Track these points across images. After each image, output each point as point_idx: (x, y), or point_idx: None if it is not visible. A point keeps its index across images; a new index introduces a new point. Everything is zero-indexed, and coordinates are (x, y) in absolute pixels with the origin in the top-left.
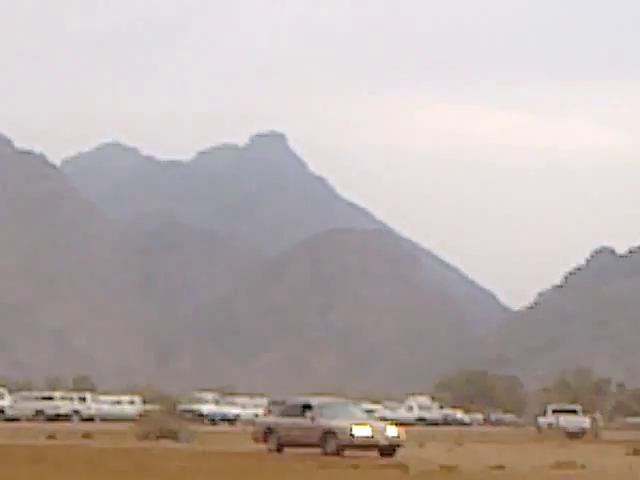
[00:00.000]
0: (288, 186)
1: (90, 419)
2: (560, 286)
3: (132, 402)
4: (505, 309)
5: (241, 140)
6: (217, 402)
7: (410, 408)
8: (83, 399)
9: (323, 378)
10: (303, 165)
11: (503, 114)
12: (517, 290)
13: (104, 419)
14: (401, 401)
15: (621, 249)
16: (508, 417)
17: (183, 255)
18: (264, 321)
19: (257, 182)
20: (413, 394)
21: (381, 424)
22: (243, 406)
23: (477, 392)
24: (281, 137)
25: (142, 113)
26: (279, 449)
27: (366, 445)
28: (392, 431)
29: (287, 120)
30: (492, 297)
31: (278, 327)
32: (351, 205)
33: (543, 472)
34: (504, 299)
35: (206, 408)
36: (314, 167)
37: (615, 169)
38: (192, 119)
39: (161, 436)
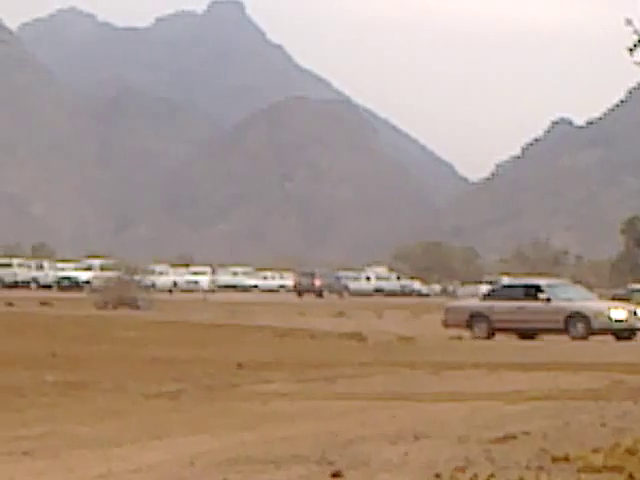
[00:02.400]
0: (246, 54)
1: (48, 286)
2: (518, 157)
3: (89, 268)
4: (463, 180)
5: (199, 7)
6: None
7: (368, 278)
8: (41, 266)
9: (281, 247)
10: (262, 33)
11: None
12: (475, 161)
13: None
14: (359, 271)
15: (579, 120)
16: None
17: (140, 122)
18: (222, 190)
19: (215, 50)
20: (370, 265)
21: (630, 306)
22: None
23: (434, 263)
24: (239, 5)
25: None
26: (489, 336)
27: (620, 329)
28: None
29: None
30: (450, 168)
31: (236, 196)
32: (309, 74)
33: (501, 343)
34: (462, 170)
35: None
36: (273, 36)
37: (576, 40)
38: None
39: (120, 304)
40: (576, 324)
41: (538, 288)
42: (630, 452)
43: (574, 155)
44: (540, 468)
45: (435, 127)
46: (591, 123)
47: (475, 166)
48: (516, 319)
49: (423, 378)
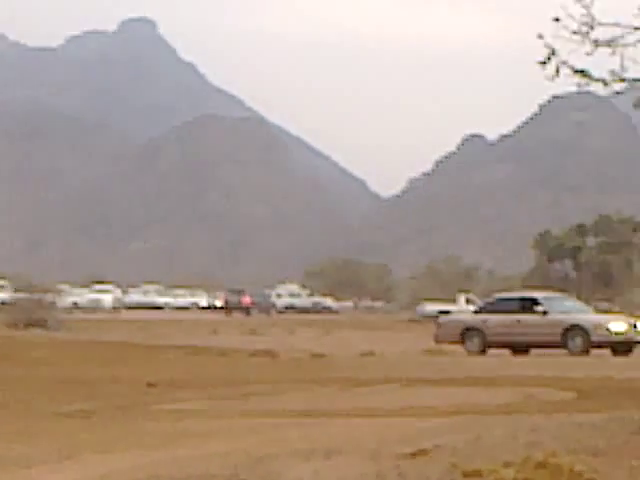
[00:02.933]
0: (158, 72)
1: None
2: (430, 173)
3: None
4: (375, 196)
5: (110, 26)
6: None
7: (279, 295)
8: None
9: (194, 266)
10: (173, 51)
11: None
12: (387, 178)
13: None
14: (272, 288)
15: (491, 136)
16: (377, 304)
17: (52, 142)
18: (134, 208)
19: (127, 68)
20: (283, 281)
21: (630, 319)
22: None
23: (347, 280)
24: (151, 23)
25: None
26: (483, 350)
27: (619, 342)
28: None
29: (157, 6)
30: (362, 184)
31: (149, 214)
32: (222, 92)
33: (412, 358)
34: (374, 186)
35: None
36: (185, 54)
37: (487, 56)
38: (61, 3)
39: (30, 324)
40: (574, 338)
41: (534, 301)
42: (541, 466)
43: (486, 171)
44: None
45: (347, 144)
46: (503, 139)
47: (387, 182)
48: (511, 333)
49: (335, 395)
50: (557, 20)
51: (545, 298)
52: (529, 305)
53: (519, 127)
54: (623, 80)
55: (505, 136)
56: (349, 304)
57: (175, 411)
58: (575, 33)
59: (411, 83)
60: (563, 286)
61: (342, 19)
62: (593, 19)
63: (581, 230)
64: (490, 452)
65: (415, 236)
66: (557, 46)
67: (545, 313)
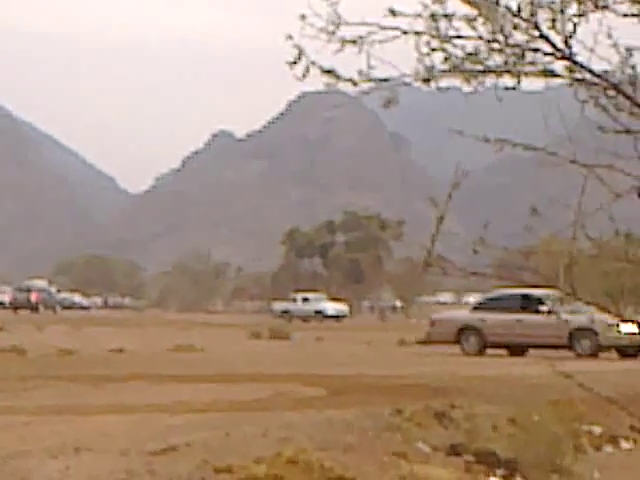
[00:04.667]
0: None
1: None
2: (179, 170)
3: None
4: (124, 193)
5: None
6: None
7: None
8: None
9: None
10: None
11: None
12: (136, 174)
13: None
14: (20, 284)
15: (240, 133)
16: (127, 301)
17: None
18: None
19: None
20: (31, 277)
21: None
22: None
23: (96, 276)
24: None
25: None
26: (481, 351)
27: (629, 345)
28: None
29: None
30: (112, 181)
31: None
32: None
33: (163, 355)
34: (123, 183)
35: None
36: None
37: (238, 51)
38: None
39: None
40: (581, 339)
41: (537, 299)
42: (291, 461)
43: (237, 168)
44: (202, 479)
45: (98, 141)
46: (252, 135)
47: (137, 179)
48: (512, 333)
49: (85, 391)
50: (304, 18)
51: (553, 297)
52: (533, 304)
53: (269, 123)
54: (370, 80)
55: (256, 132)
56: (98, 300)
57: None
58: (321, 31)
59: (159, 76)
60: (312, 283)
61: (85, 12)
62: (339, 17)
63: (330, 227)
64: (241, 448)
65: (165, 233)
66: (305, 45)
67: (550, 313)
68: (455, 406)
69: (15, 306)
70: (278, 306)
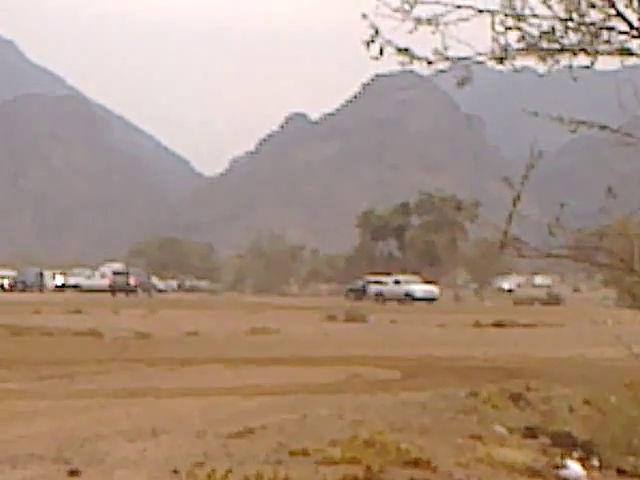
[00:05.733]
0: None
1: None
2: (253, 152)
3: None
4: (199, 175)
5: None
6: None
7: (103, 275)
8: None
9: (16, 245)
10: None
11: None
12: (211, 157)
13: None
14: (95, 268)
15: (314, 116)
16: (202, 284)
17: None
18: None
19: None
20: (107, 261)
21: None
22: None
23: (171, 259)
24: None
25: None
26: None
27: None
28: None
29: None
30: (186, 163)
31: None
32: (43, 70)
33: (238, 337)
34: (198, 166)
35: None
36: (3, 31)
37: (309, 36)
38: None
39: None
40: None
41: None
42: (367, 444)
43: (310, 150)
44: (278, 462)
45: (171, 124)
46: (325, 118)
47: (211, 162)
48: None
49: (160, 374)
50: None
51: None
52: None
53: (343, 106)
54: (447, 59)
55: (329, 114)
56: (174, 283)
57: None
58: (396, 11)
59: (234, 63)
60: (387, 266)
61: None
62: None
63: (405, 209)
64: (316, 431)
65: (239, 215)
66: (379, 25)
67: None
68: (530, 388)
69: (114, 289)
70: (373, 288)
